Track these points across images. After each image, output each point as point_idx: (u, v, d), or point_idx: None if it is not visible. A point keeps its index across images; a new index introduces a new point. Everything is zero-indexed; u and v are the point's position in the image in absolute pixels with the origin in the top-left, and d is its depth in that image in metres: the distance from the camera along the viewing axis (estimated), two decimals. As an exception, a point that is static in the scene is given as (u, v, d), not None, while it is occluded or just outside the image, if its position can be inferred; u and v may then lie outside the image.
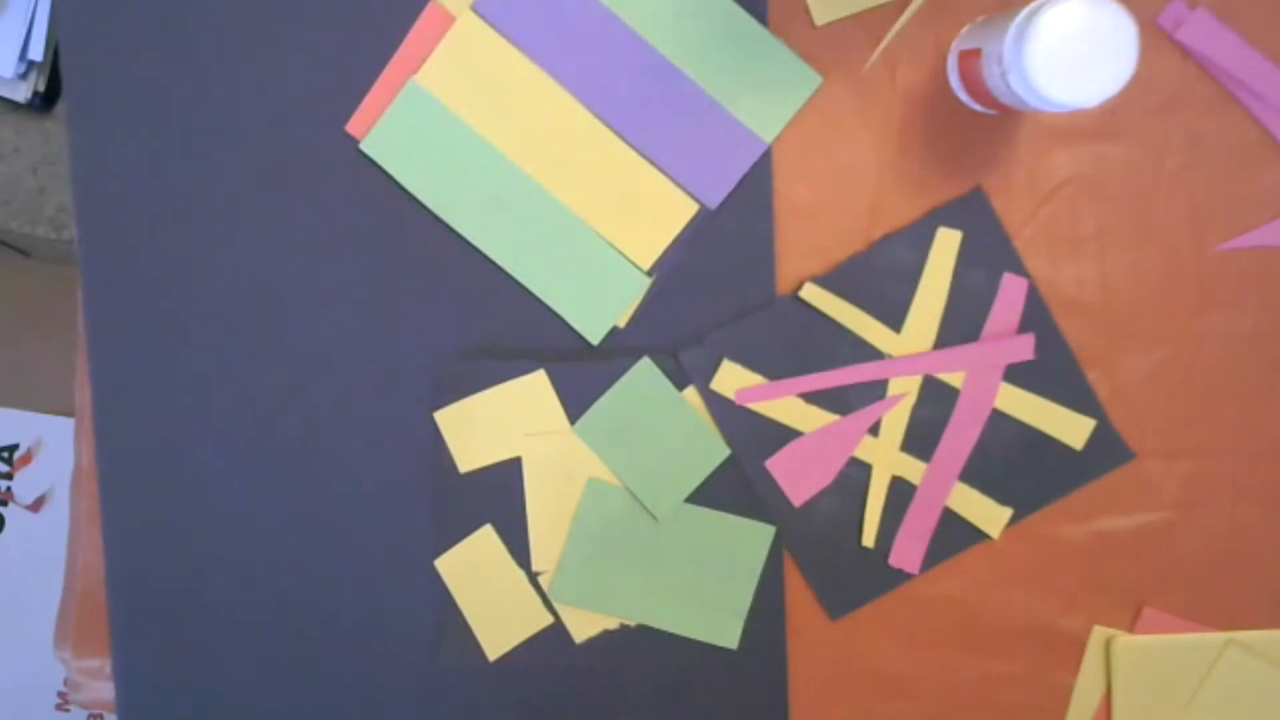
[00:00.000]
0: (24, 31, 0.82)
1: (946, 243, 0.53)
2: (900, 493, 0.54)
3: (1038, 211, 0.53)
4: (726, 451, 0.54)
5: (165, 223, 0.54)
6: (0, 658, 1.12)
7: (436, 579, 0.55)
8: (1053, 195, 0.53)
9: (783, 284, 0.54)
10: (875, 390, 0.53)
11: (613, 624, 0.55)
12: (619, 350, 0.54)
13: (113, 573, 0.55)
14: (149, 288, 0.54)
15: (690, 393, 0.54)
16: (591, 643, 0.55)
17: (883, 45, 0.53)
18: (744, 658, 0.55)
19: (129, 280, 0.54)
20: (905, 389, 0.53)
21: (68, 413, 1.08)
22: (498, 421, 0.54)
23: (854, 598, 0.54)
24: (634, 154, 0.53)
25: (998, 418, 0.54)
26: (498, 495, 0.54)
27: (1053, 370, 0.53)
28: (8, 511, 1.12)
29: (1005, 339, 0.53)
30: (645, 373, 0.53)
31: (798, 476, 0.54)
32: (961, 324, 0.53)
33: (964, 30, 0.52)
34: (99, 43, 0.53)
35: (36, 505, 1.12)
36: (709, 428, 0.54)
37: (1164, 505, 0.55)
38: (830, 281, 0.53)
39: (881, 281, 0.53)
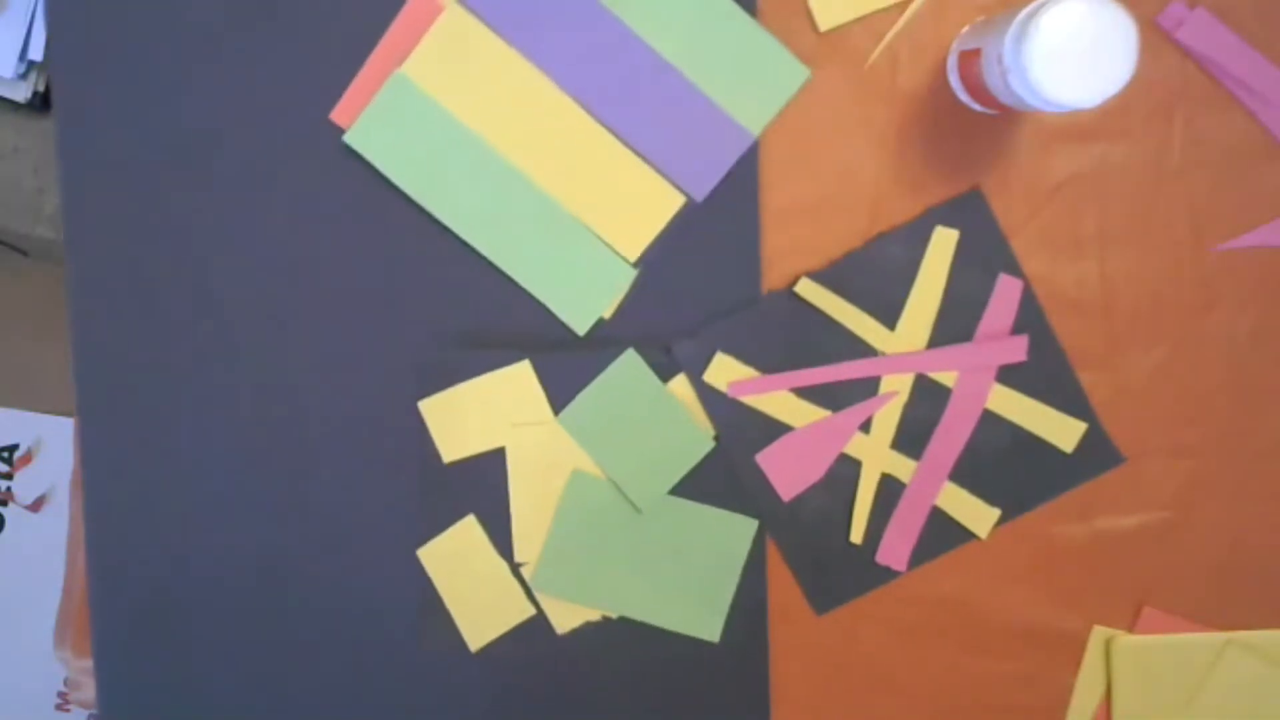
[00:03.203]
0: (24, 31, 0.82)
1: (943, 242, 0.53)
2: (889, 490, 0.54)
3: (1038, 211, 0.53)
4: (710, 444, 0.54)
5: (148, 209, 0.54)
6: (0, 658, 1.12)
7: (419, 569, 0.55)
8: (1053, 195, 0.53)
9: (774, 279, 0.54)
10: (867, 387, 0.53)
11: (594, 616, 0.55)
12: (604, 341, 0.54)
13: (94, 560, 0.55)
14: (132, 275, 0.54)
15: (675, 385, 0.54)
16: (573, 634, 0.55)
17: (883, 44, 0.53)
18: (725, 651, 0.55)
19: (113, 269, 0.54)
20: (897, 387, 0.53)
21: (68, 413, 1.09)
22: (482, 411, 0.54)
23: (839, 593, 0.55)
24: (620, 146, 0.53)
25: (989, 418, 0.54)
26: (481, 485, 0.54)
27: (1045, 372, 0.53)
28: (8, 511, 1.12)
29: (999, 340, 0.53)
30: (630, 364, 0.53)
31: (787, 471, 0.54)
32: (956, 323, 0.53)
33: (964, 30, 0.52)
34: (87, 34, 0.53)
35: (36, 505, 1.12)
36: (693, 420, 0.54)
37: (1164, 505, 0.55)
38: (826, 277, 0.53)
39: (877, 279, 0.53)
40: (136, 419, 0.55)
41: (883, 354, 0.53)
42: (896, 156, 0.53)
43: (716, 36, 0.52)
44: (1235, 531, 0.55)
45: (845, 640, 0.55)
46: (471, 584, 0.54)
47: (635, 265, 0.53)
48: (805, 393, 0.54)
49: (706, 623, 0.54)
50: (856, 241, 0.54)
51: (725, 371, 0.53)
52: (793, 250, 0.54)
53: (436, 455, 0.54)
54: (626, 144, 0.53)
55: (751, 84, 0.52)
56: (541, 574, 0.54)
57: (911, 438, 0.54)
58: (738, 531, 0.54)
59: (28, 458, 1.12)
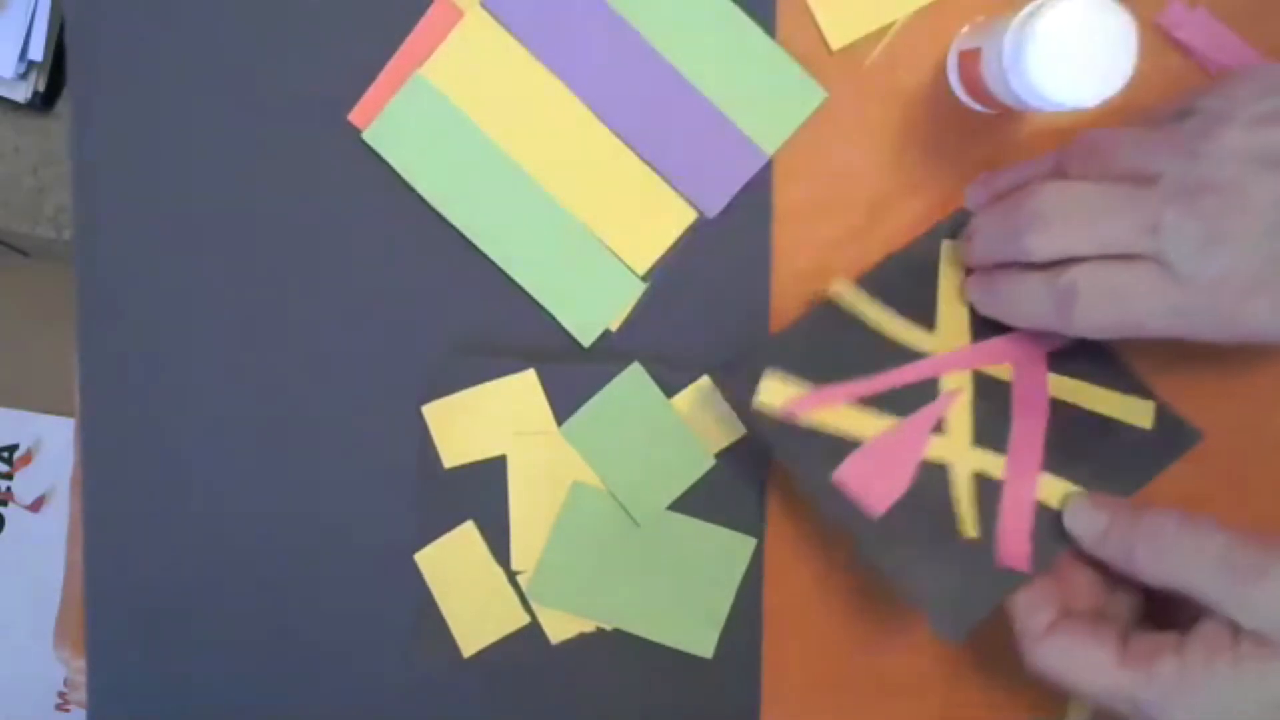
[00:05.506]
0: (24, 31, 0.82)
1: (952, 254, 0.52)
2: (984, 490, 0.50)
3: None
4: (712, 460, 0.54)
5: (157, 210, 0.54)
6: (0, 657, 1.13)
7: (416, 573, 0.55)
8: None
9: (778, 289, 0.54)
10: (927, 390, 0.51)
11: (589, 627, 0.55)
12: (610, 354, 0.54)
13: (90, 561, 0.55)
14: (139, 275, 0.54)
15: (679, 400, 0.54)
16: (567, 645, 0.55)
17: (882, 44, 0.53)
18: (719, 668, 0.55)
19: (120, 269, 0.54)
20: (958, 385, 0.51)
21: (68, 413, 1.09)
22: (485, 419, 0.54)
23: (970, 610, 0.49)
24: (635, 159, 0.53)
25: (1060, 407, 0.51)
26: (481, 492, 0.54)
27: (1093, 358, 0.52)
28: (8, 511, 1.12)
29: (1052, 342, 0.51)
30: (635, 378, 0.53)
31: (871, 486, 0.49)
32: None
33: (964, 30, 0.52)
34: (104, 31, 0.53)
35: (36, 505, 1.12)
36: (695, 436, 0.53)
37: (1168, 502, 0.54)
38: (859, 285, 0.52)
39: (904, 284, 0.52)
40: (137, 420, 0.55)
41: (931, 355, 0.51)
42: (896, 157, 0.53)
43: (735, 55, 0.52)
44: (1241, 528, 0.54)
45: (843, 644, 0.55)
46: (468, 590, 0.54)
47: (644, 279, 0.53)
48: (867, 403, 0.50)
49: (701, 638, 0.54)
50: (859, 245, 0.53)
51: (776, 392, 0.50)
52: (798, 255, 0.54)
53: (438, 460, 0.54)
54: (641, 157, 0.53)
55: (768, 103, 0.52)
56: (538, 583, 0.54)
57: (989, 433, 0.51)
58: (736, 549, 0.54)
59: (28, 458, 1.13)
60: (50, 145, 0.87)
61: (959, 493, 0.50)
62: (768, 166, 0.53)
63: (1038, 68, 0.43)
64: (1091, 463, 0.50)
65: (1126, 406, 0.52)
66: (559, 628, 0.55)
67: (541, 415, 0.54)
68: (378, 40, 0.53)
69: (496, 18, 0.52)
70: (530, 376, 0.54)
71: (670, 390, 0.54)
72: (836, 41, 0.52)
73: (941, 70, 0.53)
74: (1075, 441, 0.51)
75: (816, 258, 0.54)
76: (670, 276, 0.54)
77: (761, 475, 0.54)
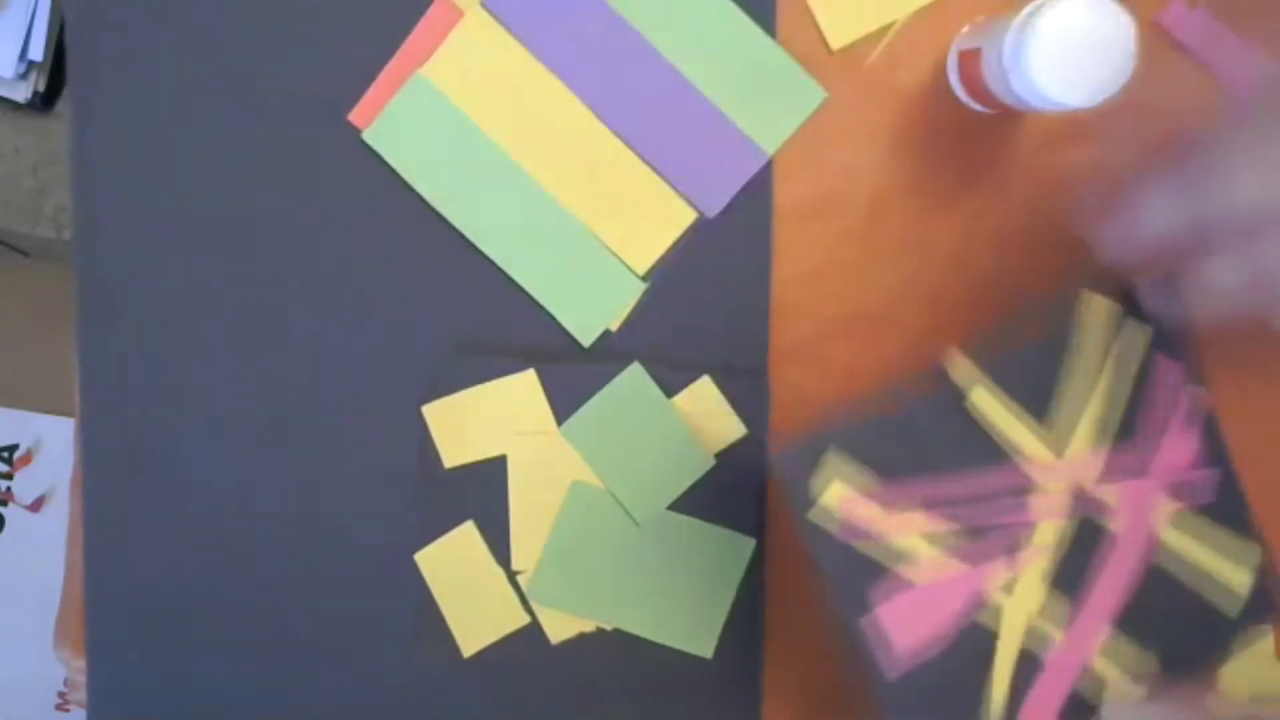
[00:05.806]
0: (24, 31, 0.82)
1: (1095, 310, 0.44)
2: (1025, 667, 0.43)
3: (1038, 212, 0.53)
4: (712, 461, 0.54)
5: (157, 210, 0.54)
6: (0, 657, 1.13)
7: (416, 573, 0.55)
8: (1053, 196, 0.53)
9: (778, 289, 0.54)
10: (1014, 533, 0.43)
11: (589, 627, 0.55)
12: (610, 354, 0.54)
13: (91, 562, 0.55)
14: (140, 276, 0.54)
15: (679, 400, 0.54)
16: (567, 645, 0.55)
17: (882, 44, 0.53)
18: (719, 668, 0.54)
19: (121, 269, 0.54)
20: (1051, 539, 0.43)
21: (68, 413, 1.09)
22: (485, 418, 0.54)
23: None
24: (635, 159, 0.53)
25: (1155, 574, 0.44)
26: (481, 492, 0.54)
27: (1224, 487, 0.44)
28: (8, 511, 1.12)
29: (1180, 471, 0.43)
30: (635, 378, 0.53)
31: (903, 635, 0.42)
32: (1122, 419, 0.43)
33: (964, 30, 0.52)
34: (104, 31, 0.53)
35: (36, 505, 1.12)
36: (695, 436, 0.53)
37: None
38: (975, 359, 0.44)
39: (1032, 368, 0.43)
40: (137, 420, 0.55)
41: (1033, 463, 0.43)
42: (896, 157, 0.53)
43: (736, 56, 0.52)
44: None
45: (844, 644, 0.55)
46: (468, 590, 0.54)
47: (644, 279, 0.53)
48: (937, 535, 0.43)
49: (700, 638, 0.54)
50: (859, 246, 0.53)
51: (841, 497, 0.43)
52: (797, 256, 0.54)
53: (438, 460, 0.54)
54: (641, 157, 0.53)
55: (768, 103, 0.52)
56: (538, 583, 0.54)
57: (1060, 598, 0.43)
58: (735, 549, 0.54)
59: (28, 458, 1.13)
60: (50, 145, 0.87)
61: (999, 668, 0.43)
62: (768, 166, 0.53)
63: (1038, 68, 0.43)
64: (1158, 639, 0.44)
65: (1231, 555, 0.44)
66: (559, 628, 0.55)
67: (541, 415, 0.54)
68: (378, 40, 0.53)
69: (496, 18, 0.52)
70: (530, 376, 0.54)
71: (670, 390, 0.54)
72: (836, 41, 0.52)
73: (941, 70, 0.53)
74: (1154, 613, 0.43)
75: (816, 258, 0.54)
76: (670, 276, 0.54)
77: (761, 475, 0.54)
